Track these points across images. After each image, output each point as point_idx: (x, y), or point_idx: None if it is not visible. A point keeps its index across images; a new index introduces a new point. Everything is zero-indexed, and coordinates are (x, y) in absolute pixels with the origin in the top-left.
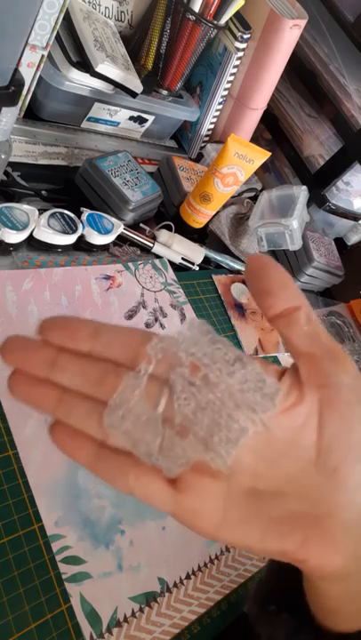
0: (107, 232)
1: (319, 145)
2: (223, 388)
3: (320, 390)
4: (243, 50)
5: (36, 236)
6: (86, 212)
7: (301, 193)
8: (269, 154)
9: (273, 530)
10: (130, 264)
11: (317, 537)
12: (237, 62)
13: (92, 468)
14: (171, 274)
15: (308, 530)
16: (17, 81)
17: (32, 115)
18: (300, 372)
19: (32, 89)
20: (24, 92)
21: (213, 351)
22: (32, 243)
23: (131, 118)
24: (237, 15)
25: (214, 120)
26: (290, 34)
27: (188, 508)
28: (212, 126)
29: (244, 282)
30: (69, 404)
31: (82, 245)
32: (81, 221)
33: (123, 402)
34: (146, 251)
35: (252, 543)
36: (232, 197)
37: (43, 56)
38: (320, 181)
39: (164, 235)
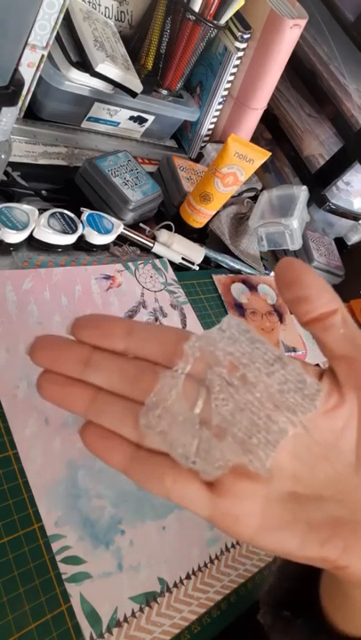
0: (107, 232)
1: (319, 145)
2: (262, 388)
3: (358, 391)
4: (243, 50)
5: (36, 235)
6: (86, 212)
7: (301, 193)
8: (269, 154)
9: (313, 535)
10: (130, 264)
11: (359, 544)
12: (237, 62)
13: (127, 471)
14: (171, 274)
15: (349, 536)
16: (17, 81)
17: (32, 115)
18: (338, 375)
19: (32, 89)
20: (24, 91)
21: (252, 350)
22: (32, 243)
23: (131, 118)
24: (237, 15)
25: (214, 120)
26: (290, 34)
27: (226, 512)
28: (212, 126)
29: (243, 282)
30: (103, 403)
31: (82, 245)
32: (81, 221)
33: (160, 401)
34: (146, 251)
35: (291, 549)
36: (232, 197)
37: (43, 56)
38: (320, 181)
39: (164, 235)
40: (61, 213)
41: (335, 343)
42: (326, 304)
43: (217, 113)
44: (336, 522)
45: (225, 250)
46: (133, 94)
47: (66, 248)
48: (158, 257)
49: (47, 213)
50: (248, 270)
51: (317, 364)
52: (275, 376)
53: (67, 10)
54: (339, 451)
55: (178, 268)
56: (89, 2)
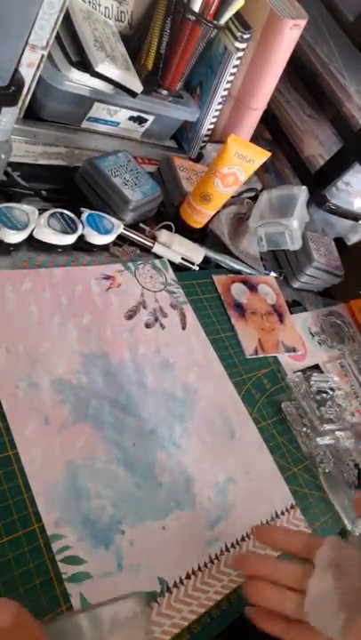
0: (107, 232)
1: (319, 145)
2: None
3: None
4: (243, 50)
5: (36, 235)
6: (86, 212)
7: (301, 193)
8: (269, 154)
9: None
10: (130, 264)
11: None
12: (237, 62)
13: (283, 636)
14: (171, 274)
15: None
16: (17, 81)
17: (32, 115)
18: None
19: (32, 89)
20: (24, 91)
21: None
22: (32, 243)
23: (131, 118)
24: (237, 15)
25: (214, 120)
26: (290, 34)
27: None
28: (212, 126)
29: (243, 282)
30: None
31: (82, 245)
32: (81, 221)
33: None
34: (146, 251)
35: None
36: (232, 197)
37: (43, 56)
38: (320, 181)
39: (164, 235)
40: (61, 213)
41: None
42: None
43: (217, 113)
44: None
45: (225, 250)
46: (133, 94)
47: (66, 248)
48: (158, 257)
49: (47, 213)
50: (248, 270)
51: (316, 365)
52: None
53: (67, 10)
54: None
55: (178, 268)
56: (89, 2)
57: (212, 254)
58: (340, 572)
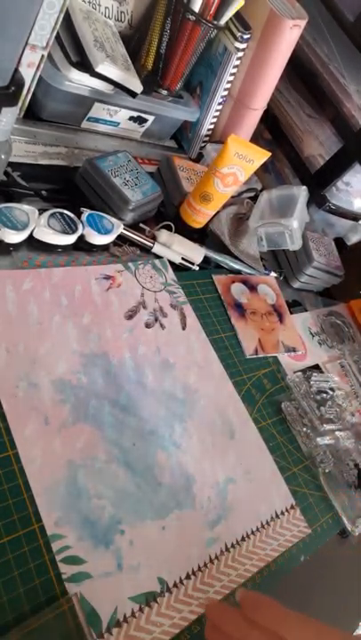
0: (107, 232)
1: (319, 145)
2: None
3: None
4: (243, 50)
5: (36, 235)
6: (86, 212)
7: (301, 193)
8: (269, 154)
9: None
10: (130, 264)
11: None
12: (237, 62)
13: None
14: (171, 274)
15: None
16: (17, 81)
17: (32, 115)
18: None
19: (32, 89)
20: (24, 91)
21: None
22: (32, 243)
23: (131, 118)
24: (237, 15)
25: (214, 120)
26: (290, 34)
27: None
28: (212, 126)
29: (244, 282)
30: None
31: (82, 245)
32: (81, 221)
33: None
34: (146, 251)
35: None
36: (232, 197)
37: (43, 56)
38: (320, 181)
39: (164, 235)
40: (61, 213)
41: None
42: None
43: (217, 113)
44: None
45: (225, 250)
46: (133, 94)
47: (66, 248)
48: (158, 257)
49: (47, 213)
50: (248, 270)
51: (316, 365)
52: None
53: (67, 10)
54: None
55: (178, 268)
56: (89, 2)
57: (212, 254)
58: None
